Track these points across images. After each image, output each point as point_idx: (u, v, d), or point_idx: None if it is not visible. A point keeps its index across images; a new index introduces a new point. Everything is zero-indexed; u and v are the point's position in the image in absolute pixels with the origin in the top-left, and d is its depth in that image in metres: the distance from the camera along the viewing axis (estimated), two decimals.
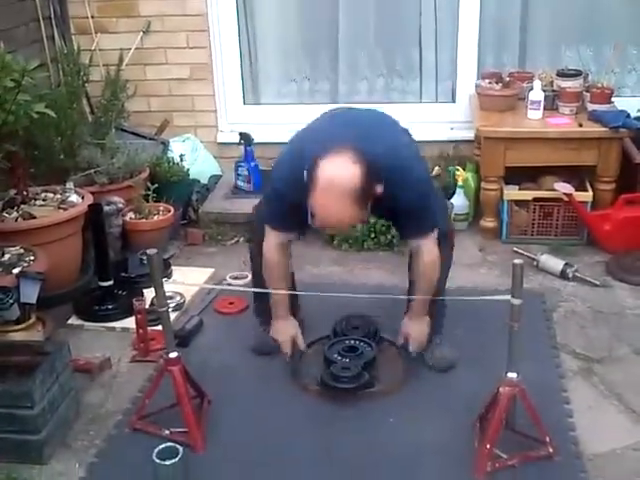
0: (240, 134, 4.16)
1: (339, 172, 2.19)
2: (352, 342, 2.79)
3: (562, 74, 3.93)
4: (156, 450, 2.21)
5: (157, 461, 2.18)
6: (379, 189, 2.28)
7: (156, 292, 2.30)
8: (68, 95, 3.81)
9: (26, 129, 3.26)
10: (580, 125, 3.66)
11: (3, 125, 2.91)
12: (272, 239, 2.62)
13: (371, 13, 4.36)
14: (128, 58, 4.19)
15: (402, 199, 2.41)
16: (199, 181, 4.21)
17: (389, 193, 2.32)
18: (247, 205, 3.89)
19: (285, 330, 2.80)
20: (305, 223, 2.36)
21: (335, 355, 2.71)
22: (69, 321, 3.18)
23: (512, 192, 3.78)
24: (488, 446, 2.22)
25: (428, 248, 2.55)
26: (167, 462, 2.18)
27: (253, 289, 2.88)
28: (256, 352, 2.89)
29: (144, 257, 3.38)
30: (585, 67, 4.07)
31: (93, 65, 4.10)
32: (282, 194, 2.45)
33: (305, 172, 2.24)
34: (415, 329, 2.74)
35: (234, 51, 4.39)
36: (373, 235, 3.72)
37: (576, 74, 3.92)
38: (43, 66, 3.83)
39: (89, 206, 3.20)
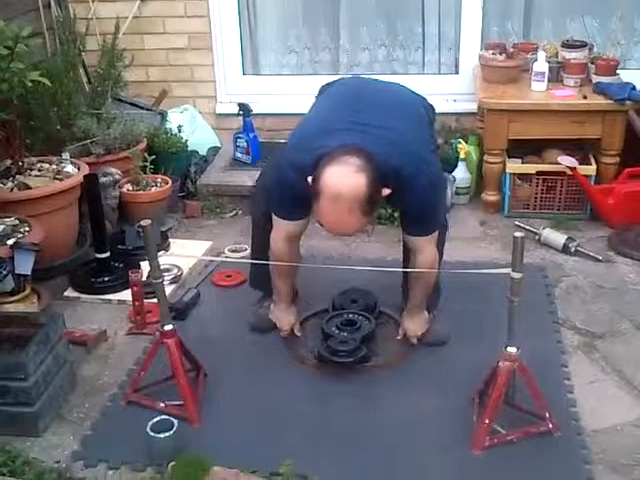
0: (239, 105, 4.09)
1: (344, 185, 2.10)
2: (350, 316, 2.76)
3: (567, 45, 3.87)
4: (150, 423, 2.20)
5: (151, 434, 2.18)
6: (386, 192, 2.21)
7: (150, 264, 2.27)
8: (64, 64, 3.76)
9: (21, 98, 3.22)
10: (585, 97, 3.60)
11: None
12: (281, 230, 2.52)
13: None
14: (125, 27, 4.12)
15: (408, 203, 2.36)
16: (197, 153, 4.16)
17: (396, 196, 2.25)
18: (246, 177, 3.89)
19: (285, 318, 2.79)
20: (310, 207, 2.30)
21: (333, 329, 2.69)
22: (65, 293, 3.15)
23: (515, 165, 3.73)
24: (487, 421, 2.20)
25: (427, 248, 2.47)
26: (161, 435, 2.17)
27: (251, 261, 2.84)
28: (254, 330, 2.85)
29: (141, 229, 3.35)
30: (590, 38, 4.00)
31: (90, 34, 4.05)
32: (289, 184, 2.33)
33: (310, 178, 2.17)
34: (414, 325, 2.72)
35: (233, 20, 4.31)
36: None
37: (581, 45, 3.86)
38: (39, 35, 3.77)
39: (84, 177, 3.16)
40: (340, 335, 2.65)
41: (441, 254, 2.66)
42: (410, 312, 2.71)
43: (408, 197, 2.31)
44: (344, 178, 2.11)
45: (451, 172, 3.87)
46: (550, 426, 2.25)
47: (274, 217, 2.51)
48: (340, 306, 2.86)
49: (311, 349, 2.70)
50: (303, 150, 2.29)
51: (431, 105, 2.66)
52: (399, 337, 2.74)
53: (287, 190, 2.36)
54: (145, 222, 2.21)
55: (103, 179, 3.48)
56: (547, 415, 2.26)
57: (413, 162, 2.27)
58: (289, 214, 2.47)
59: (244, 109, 4.08)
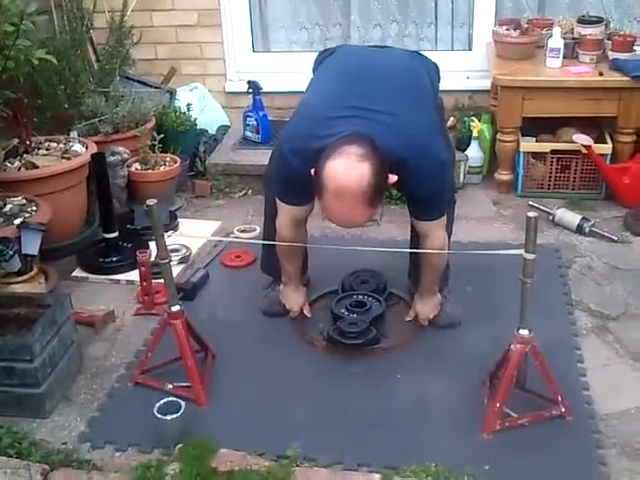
0: (248, 82, 4.04)
1: (347, 177, 2.02)
2: (360, 297, 2.73)
3: (583, 21, 3.79)
4: (158, 405, 2.19)
5: (158, 416, 2.16)
6: (393, 179, 2.15)
7: (157, 243, 2.24)
8: (72, 42, 3.73)
9: (28, 76, 3.18)
10: (600, 74, 3.53)
11: (3, 71, 2.82)
12: (286, 215, 2.48)
13: None
14: (133, 4, 4.05)
15: (414, 190, 2.31)
16: (207, 131, 4.12)
17: (401, 182, 2.20)
18: (255, 156, 3.85)
19: (294, 299, 2.77)
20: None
21: (342, 310, 2.66)
22: (73, 273, 3.14)
23: (529, 144, 3.67)
24: (498, 404, 2.17)
25: (436, 232, 2.43)
26: (168, 417, 2.15)
27: (260, 241, 2.81)
28: (265, 314, 2.82)
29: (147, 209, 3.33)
30: (607, 14, 3.92)
31: (98, 11, 4.00)
32: (292, 171, 2.28)
33: (312, 170, 2.11)
34: (425, 308, 2.68)
35: None
36: None
37: (597, 21, 3.78)
38: (47, 12, 3.73)
39: (92, 155, 3.13)
40: (350, 317, 2.62)
41: (450, 230, 2.62)
42: (421, 295, 2.68)
43: (414, 184, 2.26)
44: (347, 170, 2.03)
45: (464, 151, 3.82)
46: (562, 410, 2.22)
47: (278, 202, 2.47)
48: (350, 287, 2.82)
49: (320, 330, 2.67)
50: (305, 137, 2.23)
51: (435, 66, 2.57)
52: (409, 319, 2.71)
53: (290, 176, 2.31)
54: (151, 201, 2.17)
55: (111, 158, 3.45)
56: (559, 399, 2.22)
57: (417, 148, 2.20)
58: (293, 199, 2.43)
59: (254, 87, 4.02)
